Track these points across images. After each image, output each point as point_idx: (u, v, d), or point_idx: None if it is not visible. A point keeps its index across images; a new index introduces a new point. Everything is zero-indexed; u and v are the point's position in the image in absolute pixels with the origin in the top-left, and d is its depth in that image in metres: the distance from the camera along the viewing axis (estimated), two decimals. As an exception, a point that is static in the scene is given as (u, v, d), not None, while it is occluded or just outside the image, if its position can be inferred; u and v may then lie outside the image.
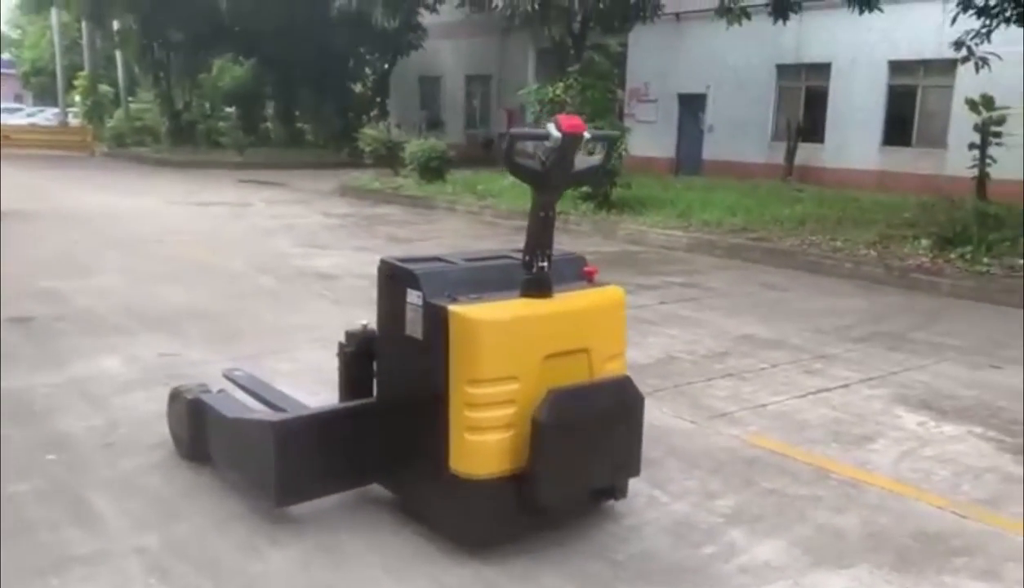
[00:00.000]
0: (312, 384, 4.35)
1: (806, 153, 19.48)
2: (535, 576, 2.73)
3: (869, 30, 17.91)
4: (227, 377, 4.08)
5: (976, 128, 15.56)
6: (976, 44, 10.92)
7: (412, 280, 2.87)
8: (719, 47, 21.18)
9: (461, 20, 26.63)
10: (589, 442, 2.83)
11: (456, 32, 27.72)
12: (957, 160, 17.38)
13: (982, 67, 11.13)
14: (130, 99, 29.82)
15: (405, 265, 2.96)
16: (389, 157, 17.55)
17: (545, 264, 2.91)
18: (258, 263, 8.31)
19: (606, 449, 2.89)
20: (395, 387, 3.04)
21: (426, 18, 26.99)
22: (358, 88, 30.74)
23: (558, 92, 14.65)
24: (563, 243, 10.44)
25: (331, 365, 4.77)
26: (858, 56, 19.22)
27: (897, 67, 18.99)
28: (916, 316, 7.05)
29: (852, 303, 7.49)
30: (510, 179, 15.90)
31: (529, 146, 3.07)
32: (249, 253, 8.97)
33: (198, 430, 3.43)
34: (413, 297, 2.87)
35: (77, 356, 4.97)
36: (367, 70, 30.87)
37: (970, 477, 3.67)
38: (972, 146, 15.56)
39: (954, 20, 10.91)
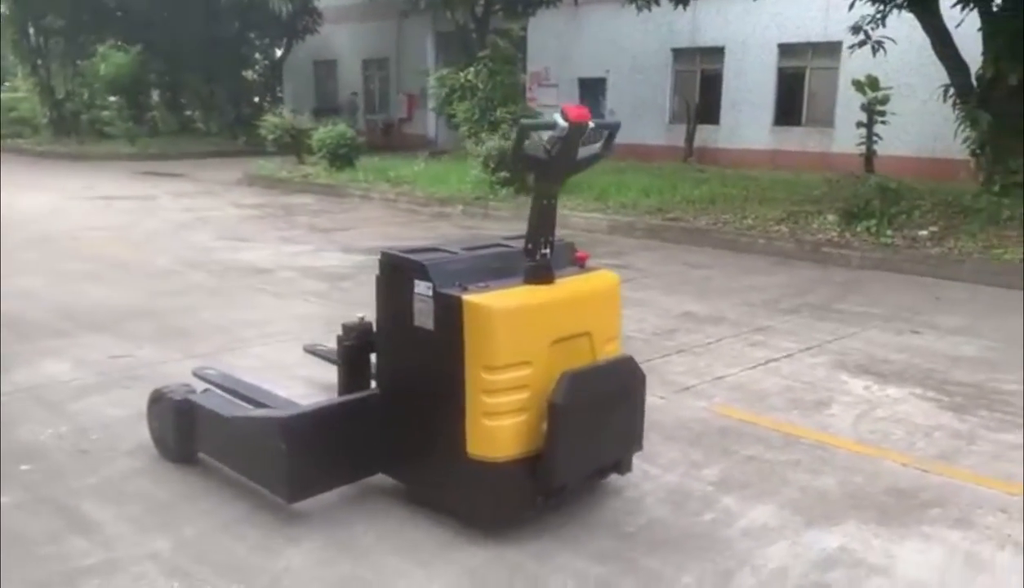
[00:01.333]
0: (283, 380, 4.30)
1: (703, 135, 20.13)
2: (554, 554, 2.83)
3: (760, 14, 18.69)
4: (199, 376, 4.00)
5: (863, 107, 16.47)
6: (872, 28, 11.54)
7: (421, 271, 2.91)
8: (616, 32, 21.65)
9: (357, 3, 26.24)
10: (600, 421, 2.94)
11: (352, 15, 27.28)
12: (844, 138, 18.36)
13: (878, 50, 11.75)
14: (6, 86, 28.06)
15: (411, 256, 2.99)
16: (294, 145, 17.17)
17: (548, 251, 3.00)
18: (184, 258, 8.05)
19: (614, 426, 3.01)
20: (400, 378, 3.07)
21: (321, 1, 26.45)
22: (250, 75, 29.86)
23: (469, 77, 14.69)
24: (489, 229, 10.60)
25: (293, 360, 4.78)
26: (749, 40, 19.96)
27: (786, 50, 19.82)
28: (834, 287, 7.47)
29: (774, 278, 7.87)
30: (421, 165, 15.93)
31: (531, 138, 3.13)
32: (171, 248, 8.66)
33: (186, 431, 3.36)
34: (422, 288, 2.90)
35: (19, 363, 4.73)
36: (258, 56, 30.01)
37: (921, 435, 3.97)
38: (860, 124, 16.45)
39: (851, 6, 11.47)
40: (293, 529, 2.97)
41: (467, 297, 2.79)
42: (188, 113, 29.11)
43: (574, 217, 11.14)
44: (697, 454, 3.68)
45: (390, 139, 25.84)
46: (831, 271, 8.29)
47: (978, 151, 10.26)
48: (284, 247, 8.92)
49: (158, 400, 3.48)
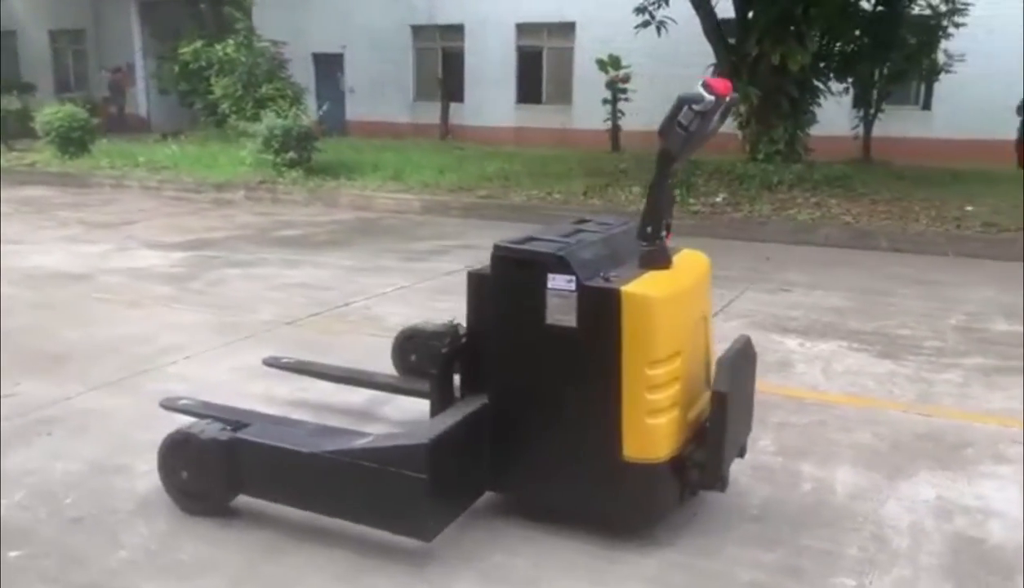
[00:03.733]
0: (246, 401, 3.69)
1: (450, 112, 20.29)
2: (717, 548, 2.72)
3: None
4: (172, 409, 3.32)
5: (607, 85, 17.57)
6: (654, 9, 12.29)
7: (558, 264, 2.62)
8: (350, 6, 21.10)
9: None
10: (743, 405, 2.87)
11: (33, -21, 23.85)
12: (583, 115, 19.51)
13: (664, 32, 12.48)
14: None
15: (539, 249, 2.69)
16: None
17: (665, 234, 2.85)
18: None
19: (747, 410, 2.96)
20: (522, 384, 2.75)
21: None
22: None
23: (228, 50, 13.47)
24: (286, 215, 9.99)
25: (227, 376, 4.14)
26: (488, 18, 20.40)
27: (524, 29, 20.54)
28: (676, 255, 7.92)
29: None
30: (174, 148, 14.34)
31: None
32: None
33: (232, 476, 2.77)
34: (560, 282, 2.62)
35: None
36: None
37: (889, 383, 4.35)
38: (605, 101, 17.55)
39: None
40: (433, 570, 2.57)
41: (626, 288, 2.57)
42: None
43: (380, 198, 10.74)
44: (733, 426, 3.72)
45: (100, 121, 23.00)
46: (658, 239, 8.78)
47: (745, 125, 11.39)
48: (75, 247, 7.62)
49: (184, 444, 2.81)
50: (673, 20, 12.49)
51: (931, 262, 7.67)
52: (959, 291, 6.45)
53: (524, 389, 2.75)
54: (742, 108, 11.10)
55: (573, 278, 2.61)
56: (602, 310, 2.58)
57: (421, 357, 3.93)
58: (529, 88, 20.83)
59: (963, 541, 2.79)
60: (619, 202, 10.02)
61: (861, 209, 9.45)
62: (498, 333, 2.77)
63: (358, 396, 3.93)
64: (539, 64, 20.71)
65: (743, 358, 2.87)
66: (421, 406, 3.65)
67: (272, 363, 3.99)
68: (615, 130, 17.37)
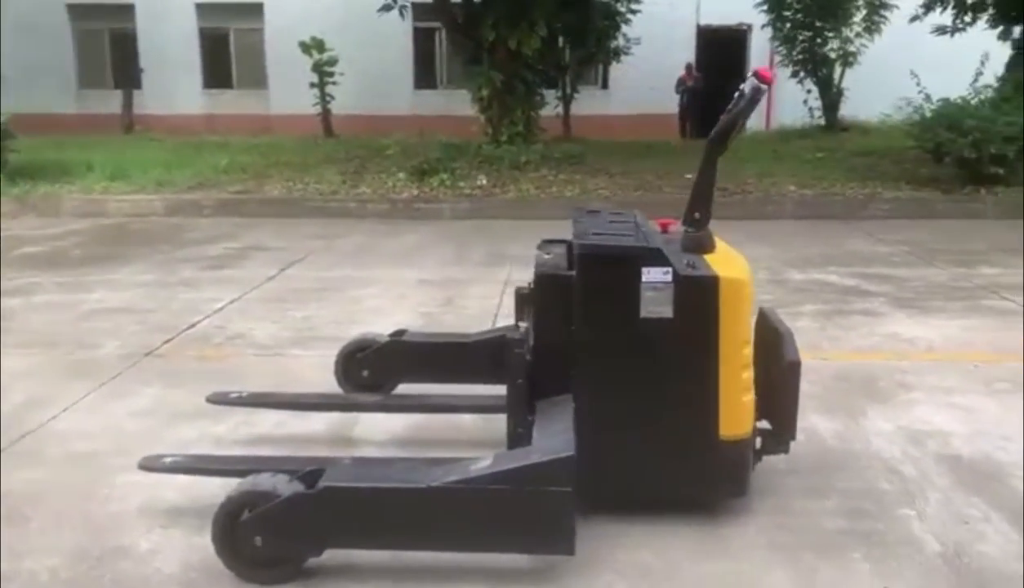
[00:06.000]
0: (186, 448, 3.22)
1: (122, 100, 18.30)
2: (788, 506, 2.92)
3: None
4: (155, 469, 2.82)
5: (314, 68, 17.08)
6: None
7: (653, 257, 2.64)
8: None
9: None
10: (793, 374, 3.08)
11: None
12: (282, 99, 18.78)
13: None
14: None
15: (630, 244, 2.67)
16: None
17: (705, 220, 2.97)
18: None
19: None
20: (612, 380, 2.72)
21: None
22: None
23: None
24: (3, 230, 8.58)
25: (143, 424, 3.53)
26: (165, -3, 18.75)
27: (206, 10, 19.15)
28: (477, 237, 8.04)
29: (418, 236, 8.09)
30: None
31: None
32: None
33: (321, 530, 2.42)
34: (655, 274, 2.64)
35: None
36: None
37: (873, 337, 4.86)
38: (312, 85, 17.06)
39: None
40: (571, 581, 2.47)
41: (723, 274, 2.66)
42: None
43: (112, 202, 9.54)
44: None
45: None
46: (441, 225, 8.84)
47: (487, 108, 11.75)
48: None
49: (255, 505, 2.39)
50: (408, 4, 12.48)
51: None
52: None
53: (617, 385, 2.73)
54: (484, 92, 11.45)
55: (670, 270, 2.64)
56: (701, 298, 2.65)
57: (375, 371, 3.68)
58: (217, 72, 19.54)
59: (950, 460, 3.27)
60: (388, 189, 9.87)
61: (608, 183, 10.28)
62: (585, 332, 2.71)
63: (316, 423, 3.57)
64: (226, 46, 19.48)
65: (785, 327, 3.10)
66: (395, 422, 3.47)
67: (218, 400, 3.47)
68: (326, 115, 16.95)
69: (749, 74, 2.81)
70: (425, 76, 19.88)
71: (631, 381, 2.73)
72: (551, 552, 2.49)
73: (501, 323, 5.03)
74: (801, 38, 16.31)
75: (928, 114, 10.06)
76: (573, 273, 2.74)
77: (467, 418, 3.56)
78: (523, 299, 3.30)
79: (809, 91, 16.82)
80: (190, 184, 10.12)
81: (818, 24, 16.14)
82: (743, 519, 2.82)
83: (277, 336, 4.84)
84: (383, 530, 2.46)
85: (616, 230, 2.90)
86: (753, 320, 2.91)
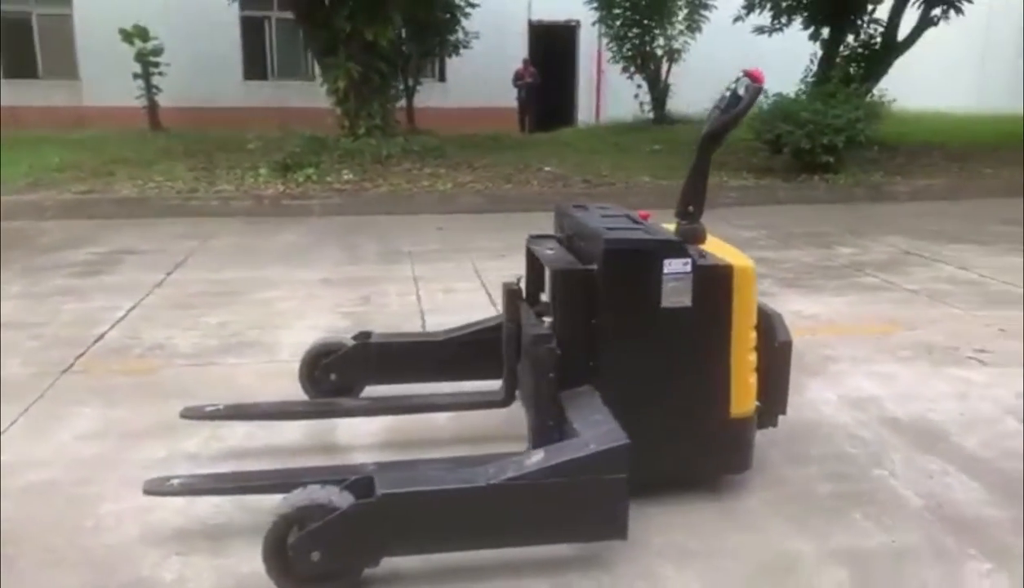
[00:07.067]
0: (160, 470, 3.03)
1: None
2: (781, 477, 3.12)
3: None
4: (163, 493, 2.65)
5: (137, 58, 15.99)
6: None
7: (673, 250, 2.76)
8: None
9: None
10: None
11: None
12: (97, 91, 17.46)
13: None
14: None
15: (651, 237, 2.77)
16: None
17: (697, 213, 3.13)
18: None
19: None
20: (634, 368, 2.82)
21: None
22: None
23: None
24: None
25: (104, 447, 3.30)
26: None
27: (3, -8, 17.39)
28: (364, 231, 7.89)
29: (294, 236, 7.82)
30: None
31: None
32: None
33: (377, 539, 2.36)
34: (676, 266, 2.76)
35: None
36: None
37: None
38: (136, 76, 15.99)
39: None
40: (623, 568, 2.55)
41: (736, 263, 2.82)
42: None
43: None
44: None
45: None
46: (315, 222, 8.58)
47: (343, 101, 11.46)
48: None
49: (310, 520, 2.28)
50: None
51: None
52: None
53: (638, 372, 2.83)
54: (340, 84, 11.18)
55: (689, 261, 2.77)
56: (717, 286, 2.80)
57: (344, 375, 3.59)
58: (19, 61, 17.81)
59: (892, 423, 3.63)
60: (250, 186, 9.43)
61: (475, 176, 10.34)
62: (609, 323, 2.79)
63: (288, 432, 3.43)
64: (28, 33, 17.80)
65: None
66: (372, 425, 3.43)
67: (192, 415, 3.24)
68: (152, 107, 15.90)
69: (740, 75, 2.98)
70: (255, 67, 19.10)
71: (652, 368, 2.84)
72: (606, 538, 2.56)
73: (430, 319, 5.02)
74: (630, 35, 17.06)
75: (764, 108, 10.86)
76: (592, 267, 2.82)
77: (441, 417, 3.55)
78: (513, 294, 3.34)
79: (640, 86, 17.65)
80: (27, 185, 9.20)
81: (646, 22, 16.95)
82: (738, 495, 2.99)
83: (201, 345, 4.56)
84: (442, 533, 2.44)
85: (618, 224, 3.01)
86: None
